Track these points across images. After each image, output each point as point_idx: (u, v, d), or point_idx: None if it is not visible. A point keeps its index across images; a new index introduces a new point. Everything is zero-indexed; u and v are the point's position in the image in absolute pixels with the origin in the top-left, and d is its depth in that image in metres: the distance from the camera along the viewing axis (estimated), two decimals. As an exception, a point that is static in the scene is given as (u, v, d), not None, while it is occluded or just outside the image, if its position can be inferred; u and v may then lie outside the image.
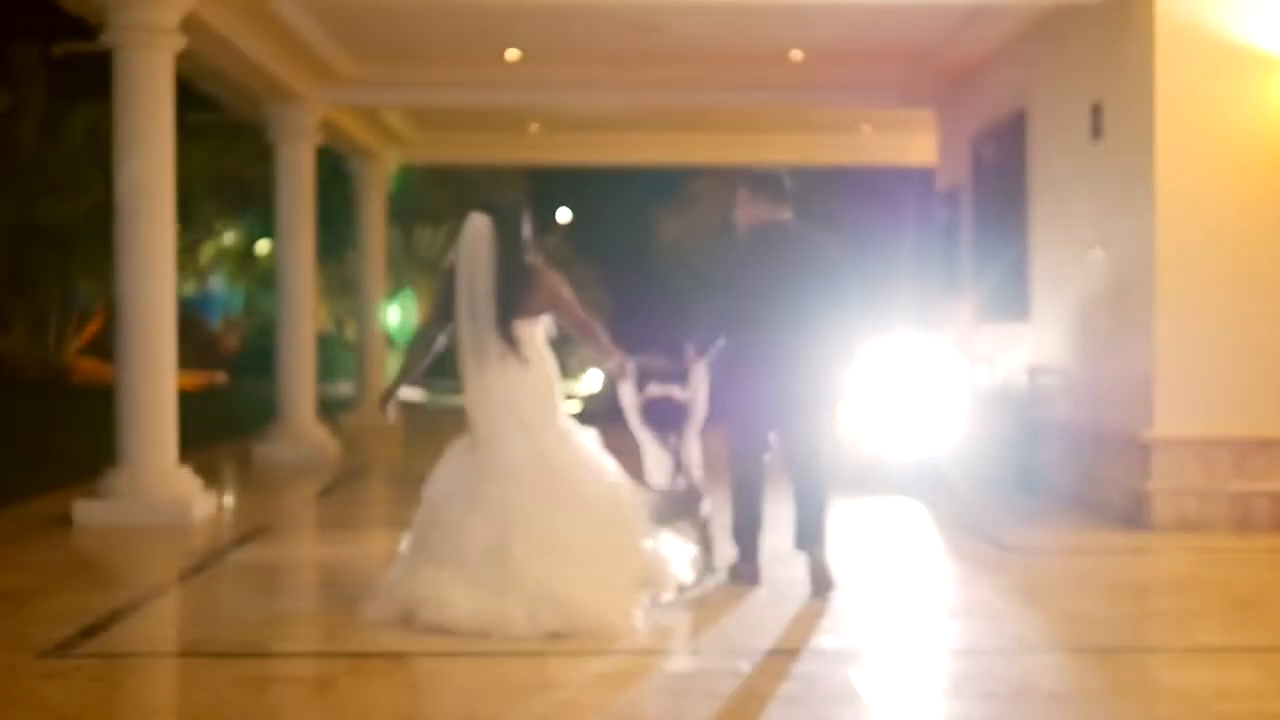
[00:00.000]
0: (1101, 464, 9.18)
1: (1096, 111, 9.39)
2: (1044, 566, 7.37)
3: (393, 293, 24.11)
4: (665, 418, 6.71)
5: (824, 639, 5.55)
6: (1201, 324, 8.41)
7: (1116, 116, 9.11)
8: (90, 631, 5.60)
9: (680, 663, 5.25)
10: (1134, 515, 8.52)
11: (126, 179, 8.79)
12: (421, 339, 6.29)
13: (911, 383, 11.23)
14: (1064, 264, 10.08)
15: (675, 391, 6.72)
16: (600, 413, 6.80)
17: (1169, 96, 8.41)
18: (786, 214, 6.63)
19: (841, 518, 8.84)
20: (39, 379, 19.82)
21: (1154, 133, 8.43)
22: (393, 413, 6.45)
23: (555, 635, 5.44)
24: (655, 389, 6.70)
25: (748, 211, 6.66)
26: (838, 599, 6.30)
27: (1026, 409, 10.49)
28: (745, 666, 5.07)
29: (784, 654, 5.29)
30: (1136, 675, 5.15)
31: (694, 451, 6.77)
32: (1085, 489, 9.41)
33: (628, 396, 6.66)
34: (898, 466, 10.56)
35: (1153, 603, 6.54)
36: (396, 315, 24.95)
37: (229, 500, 10.04)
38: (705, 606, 6.14)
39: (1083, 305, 9.66)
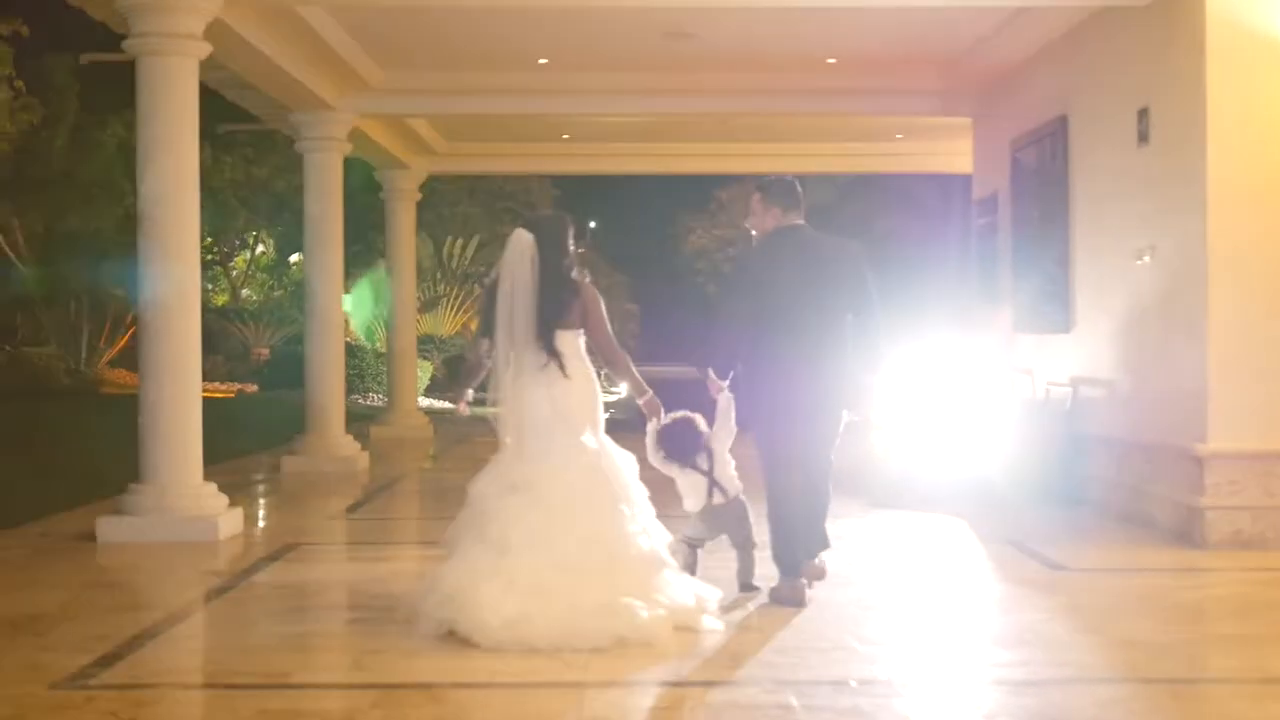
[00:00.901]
0: (1150, 478, 8.89)
1: (1143, 115, 9.12)
2: (1096, 587, 7.10)
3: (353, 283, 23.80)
4: (688, 442, 6.54)
5: (874, 668, 5.28)
6: (1257, 332, 8.14)
7: (1164, 120, 8.84)
8: (107, 660, 5.38)
9: (724, 695, 4.97)
10: (1185, 532, 8.23)
11: (150, 187, 8.63)
12: (472, 351, 6.40)
13: (950, 394, 10.99)
14: (1108, 272, 9.81)
15: (696, 417, 6.57)
16: (632, 421, 6.64)
17: (1221, 99, 8.15)
18: (800, 219, 6.61)
19: (885, 535, 8.62)
20: (71, 390, 19.77)
21: (1205, 136, 8.17)
22: (465, 409, 6.42)
23: (622, 642, 5.41)
24: (677, 413, 6.57)
25: (761, 218, 6.66)
26: (886, 624, 6.06)
27: (1069, 421, 10.22)
28: (792, 699, 4.81)
29: (831, 685, 5.02)
30: (1213, 710, 4.86)
31: (728, 467, 6.61)
32: (1132, 504, 9.12)
33: (652, 435, 6.52)
34: (937, 480, 10.31)
35: (1215, 627, 6.24)
36: (351, 304, 24.44)
37: (256, 516, 9.85)
38: (746, 631, 5.89)
39: (1129, 314, 9.38)
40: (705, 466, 6.53)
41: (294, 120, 12.98)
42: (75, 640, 5.71)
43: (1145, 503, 8.92)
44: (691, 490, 6.60)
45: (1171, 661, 5.47)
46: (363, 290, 17.07)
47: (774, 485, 6.48)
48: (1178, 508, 8.39)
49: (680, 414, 6.57)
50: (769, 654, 5.50)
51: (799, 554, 6.44)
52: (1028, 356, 11.50)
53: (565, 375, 6.00)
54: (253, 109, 13.75)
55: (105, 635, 5.77)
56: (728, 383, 6.58)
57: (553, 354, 5.99)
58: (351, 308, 22.51)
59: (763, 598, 6.45)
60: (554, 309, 6.02)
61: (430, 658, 5.38)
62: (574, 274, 6.15)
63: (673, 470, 6.59)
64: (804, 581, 6.40)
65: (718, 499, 6.55)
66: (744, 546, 6.63)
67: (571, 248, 6.19)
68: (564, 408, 5.98)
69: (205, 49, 8.80)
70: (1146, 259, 9.05)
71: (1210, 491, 8.08)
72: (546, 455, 5.90)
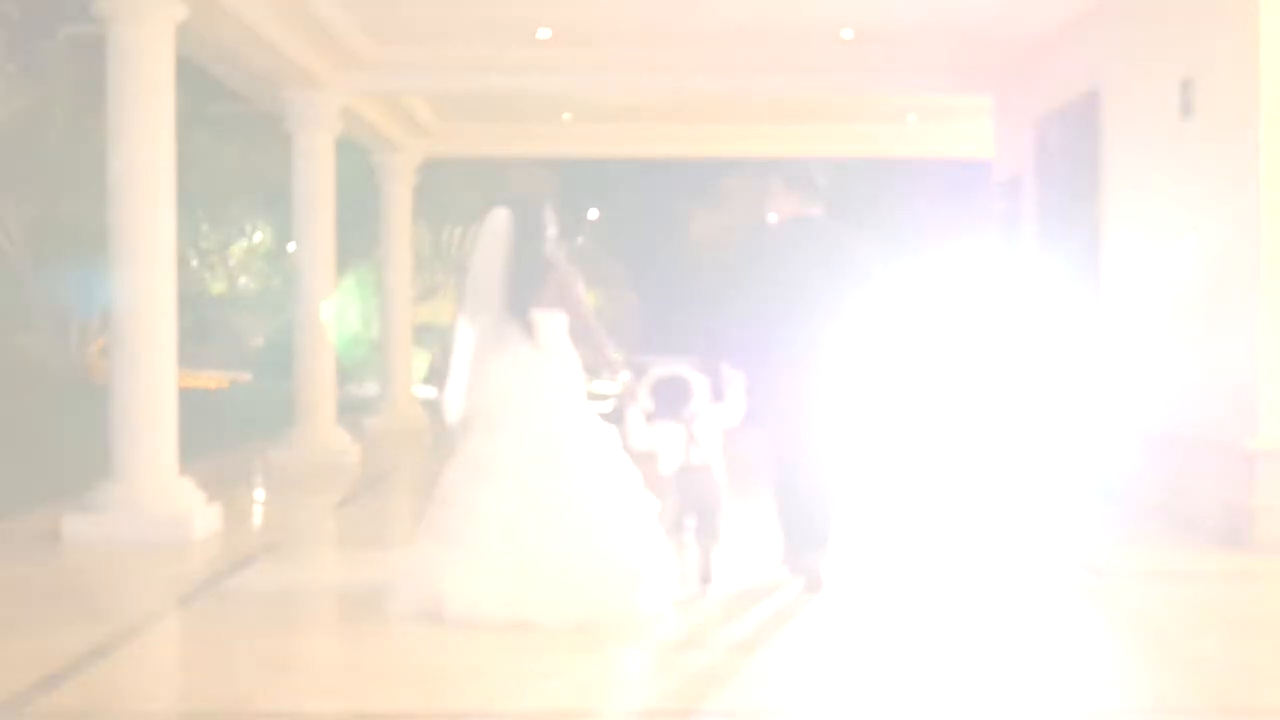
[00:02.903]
0: (1193, 475, 8.30)
1: (1187, 87, 8.52)
2: (1149, 596, 6.48)
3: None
4: (677, 397, 6.29)
5: (926, 699, 4.65)
6: (1314, 320, 7.54)
7: (1211, 91, 8.24)
8: (52, 681, 4.75)
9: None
10: (1234, 533, 7.64)
11: (121, 164, 8.01)
12: (458, 333, 6.29)
13: (974, 389, 10.46)
14: (1144, 256, 9.22)
15: (684, 372, 6.33)
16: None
17: (1276, 66, 7.54)
18: (818, 209, 6.64)
19: (913, 538, 8.03)
20: (61, 378, 19.27)
21: (1258, 107, 7.59)
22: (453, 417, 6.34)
23: (583, 627, 5.32)
24: (664, 369, 6.36)
25: (780, 204, 6.67)
26: (933, 641, 5.47)
27: (1102, 413, 9.63)
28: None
29: None
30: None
31: (711, 435, 6.30)
32: (1173, 502, 8.53)
33: (633, 420, 6.23)
34: (962, 478, 9.76)
35: (1291, 644, 5.64)
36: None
37: (236, 513, 9.20)
38: (757, 652, 5.24)
39: (1169, 300, 8.79)
40: (687, 417, 6.24)
41: (284, 99, 12.36)
42: (19, 656, 5.09)
43: (1186, 501, 8.33)
44: (670, 447, 6.27)
45: (1255, 687, 4.84)
46: (346, 292, 16.39)
47: (780, 477, 6.46)
48: (1224, 507, 7.79)
49: (676, 370, 6.34)
50: (792, 677, 4.90)
51: (812, 529, 6.34)
52: (1054, 345, 10.90)
53: (538, 351, 5.98)
54: (240, 88, 13.15)
55: (53, 650, 5.14)
56: (741, 374, 6.41)
57: (525, 328, 5.98)
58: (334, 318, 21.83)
59: (769, 607, 5.92)
60: (527, 285, 6.03)
61: (413, 681, 4.79)
62: (548, 252, 6.13)
63: (654, 434, 6.28)
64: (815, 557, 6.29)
65: (695, 459, 6.21)
66: (709, 534, 6.21)
67: (548, 227, 6.17)
68: (535, 384, 5.96)
69: (181, 12, 8.17)
70: (1189, 240, 8.45)
71: (1261, 490, 7.50)
72: (511, 430, 5.89)
